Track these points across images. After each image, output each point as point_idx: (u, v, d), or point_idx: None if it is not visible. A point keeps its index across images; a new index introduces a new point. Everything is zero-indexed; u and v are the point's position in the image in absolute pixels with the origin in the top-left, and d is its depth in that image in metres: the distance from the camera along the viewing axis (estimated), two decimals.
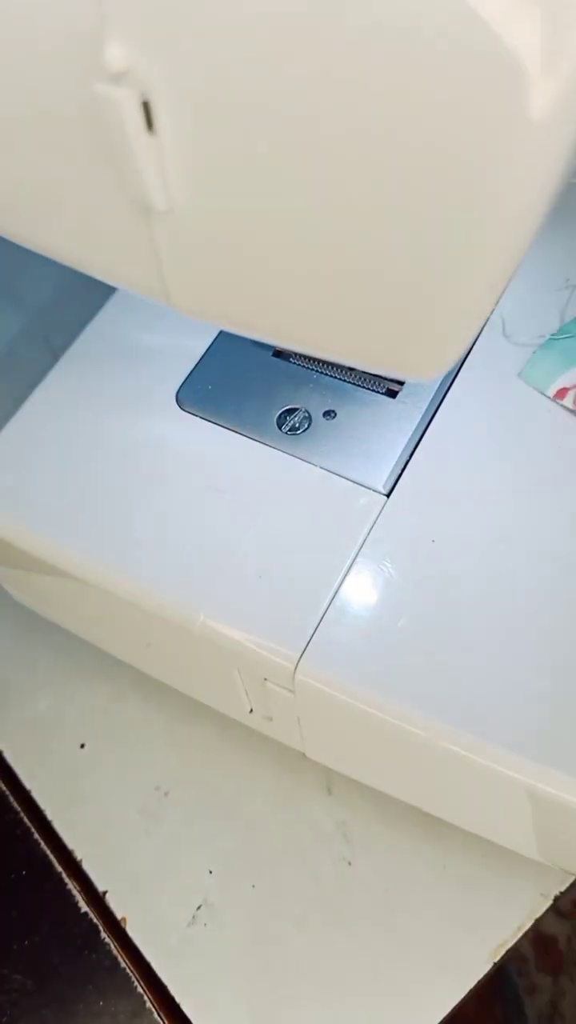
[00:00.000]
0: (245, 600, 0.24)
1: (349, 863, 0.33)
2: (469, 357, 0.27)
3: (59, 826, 0.37)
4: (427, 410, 0.27)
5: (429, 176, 0.13)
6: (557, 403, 0.24)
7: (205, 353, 0.30)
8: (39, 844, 0.36)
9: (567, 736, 0.20)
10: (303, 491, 0.26)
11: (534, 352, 0.25)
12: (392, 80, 0.12)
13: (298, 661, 0.23)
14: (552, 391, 0.24)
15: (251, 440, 0.27)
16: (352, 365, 0.27)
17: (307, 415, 0.27)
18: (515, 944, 0.32)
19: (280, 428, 0.27)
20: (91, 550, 0.26)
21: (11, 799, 0.38)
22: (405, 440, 0.27)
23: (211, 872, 0.36)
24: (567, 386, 0.24)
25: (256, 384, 0.28)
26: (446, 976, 0.33)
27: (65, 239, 0.17)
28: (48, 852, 0.36)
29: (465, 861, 0.34)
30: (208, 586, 0.24)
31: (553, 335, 0.25)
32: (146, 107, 0.13)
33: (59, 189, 0.16)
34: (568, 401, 0.24)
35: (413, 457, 0.26)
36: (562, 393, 0.24)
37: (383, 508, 0.25)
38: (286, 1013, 0.33)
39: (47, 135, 0.14)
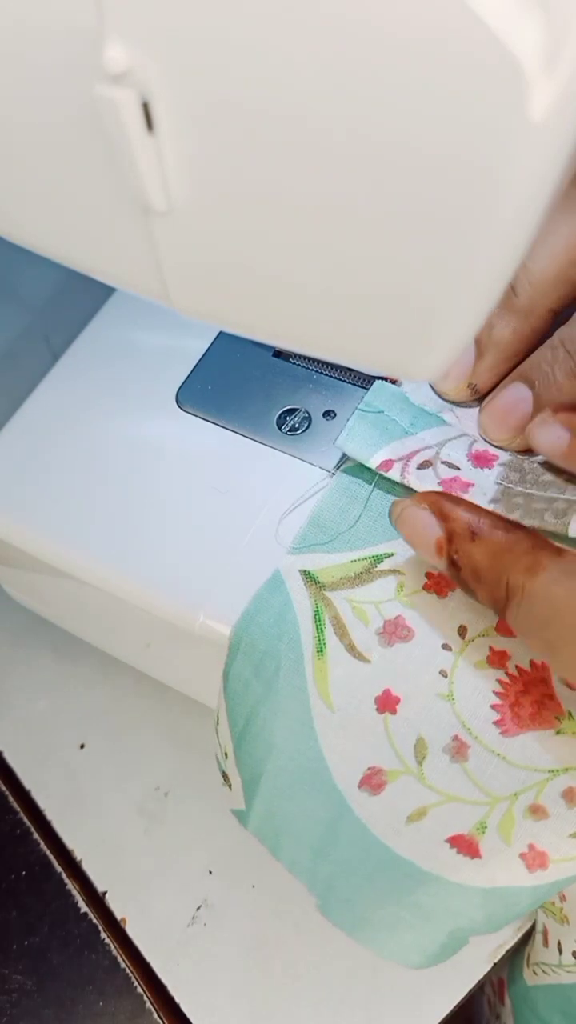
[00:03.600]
0: (246, 600, 0.24)
1: None
2: None
3: (59, 826, 0.37)
4: None
5: (429, 177, 0.13)
6: (381, 473, 0.24)
7: (205, 353, 0.30)
8: (39, 844, 0.36)
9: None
10: (304, 491, 0.26)
11: (347, 421, 0.25)
12: (392, 82, 0.12)
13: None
14: (375, 463, 0.24)
15: (251, 440, 0.27)
16: (351, 366, 0.27)
17: (307, 415, 0.27)
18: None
19: (280, 428, 0.27)
20: (90, 550, 0.26)
21: (11, 799, 0.38)
22: None
23: (211, 872, 0.36)
24: (392, 458, 0.24)
25: (256, 384, 0.28)
26: (445, 977, 0.33)
27: (64, 239, 0.17)
28: (48, 852, 0.36)
29: None
30: (208, 586, 0.24)
31: (360, 407, 0.25)
32: (146, 108, 0.13)
33: (58, 189, 0.16)
34: (395, 473, 0.24)
35: None
36: (387, 465, 0.24)
37: None
38: (285, 1014, 0.33)
39: (46, 136, 0.14)
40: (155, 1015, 0.33)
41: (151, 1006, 0.33)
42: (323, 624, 0.22)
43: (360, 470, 0.25)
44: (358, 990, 0.33)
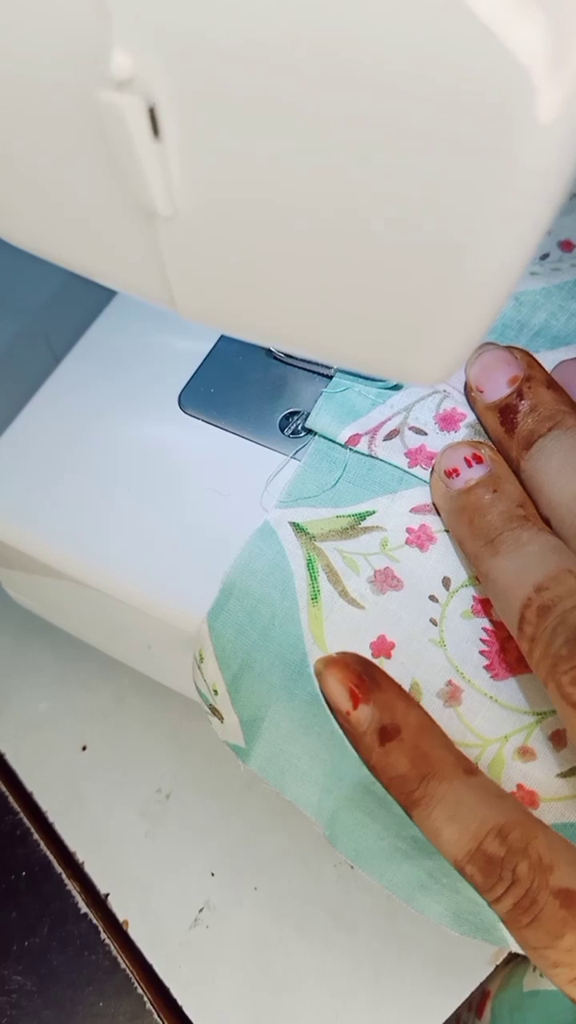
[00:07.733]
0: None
1: (351, 866, 0.33)
2: None
3: (60, 828, 0.37)
4: None
5: (436, 183, 0.13)
6: (350, 449, 0.25)
7: (207, 356, 0.30)
8: (39, 845, 0.36)
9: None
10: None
11: (316, 403, 0.26)
12: (398, 88, 0.12)
13: None
14: (343, 438, 0.25)
15: (253, 443, 0.27)
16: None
17: None
18: None
19: (283, 431, 0.27)
20: (91, 553, 0.26)
21: (12, 801, 0.38)
22: None
23: (213, 875, 0.36)
24: (359, 432, 0.25)
25: (259, 387, 0.28)
26: (446, 979, 0.33)
27: (68, 244, 0.17)
28: (48, 854, 0.36)
29: None
30: (209, 589, 0.24)
31: (326, 390, 0.26)
32: (151, 114, 0.13)
33: (62, 194, 0.16)
34: (362, 446, 0.25)
35: None
36: (354, 439, 0.25)
37: None
38: (287, 1016, 0.33)
39: (50, 141, 0.14)
40: (155, 1016, 0.33)
41: (151, 1007, 0.33)
42: (316, 572, 0.23)
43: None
44: (360, 992, 0.33)
